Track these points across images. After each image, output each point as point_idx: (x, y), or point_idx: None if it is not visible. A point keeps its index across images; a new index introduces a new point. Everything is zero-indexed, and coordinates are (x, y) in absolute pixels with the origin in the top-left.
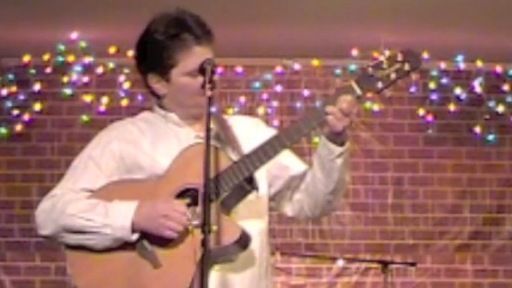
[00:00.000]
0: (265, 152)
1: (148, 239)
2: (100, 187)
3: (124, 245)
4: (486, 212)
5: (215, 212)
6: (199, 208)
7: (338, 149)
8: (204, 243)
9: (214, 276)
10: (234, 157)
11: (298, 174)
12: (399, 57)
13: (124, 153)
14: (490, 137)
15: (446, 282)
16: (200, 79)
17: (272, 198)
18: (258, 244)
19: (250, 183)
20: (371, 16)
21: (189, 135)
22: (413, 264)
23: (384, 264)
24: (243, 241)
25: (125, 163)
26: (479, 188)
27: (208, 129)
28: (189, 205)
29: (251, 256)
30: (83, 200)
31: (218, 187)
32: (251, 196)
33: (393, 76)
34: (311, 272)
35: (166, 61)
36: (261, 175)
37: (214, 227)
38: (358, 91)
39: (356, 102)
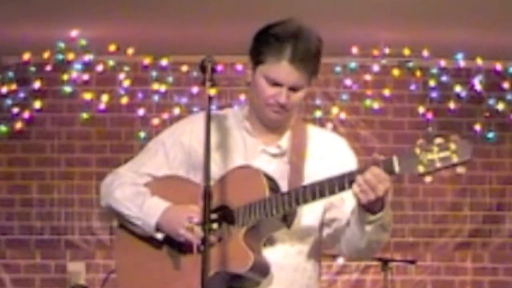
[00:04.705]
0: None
1: (172, 241)
2: (160, 176)
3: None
4: (486, 210)
5: (240, 238)
6: (222, 227)
7: (368, 217)
8: (204, 241)
9: None
10: (287, 182)
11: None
12: (452, 146)
13: (192, 149)
14: (490, 135)
15: (446, 280)
16: (271, 91)
17: (327, 224)
18: (292, 265)
19: (284, 220)
20: (371, 14)
21: (255, 147)
22: (413, 262)
23: (384, 262)
24: (258, 270)
25: (190, 160)
26: (479, 186)
27: (208, 129)
28: (215, 220)
29: (280, 278)
30: (132, 186)
31: (250, 213)
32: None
33: (437, 164)
34: None
35: (260, 54)
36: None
37: (213, 226)
38: (397, 168)
39: (388, 178)
